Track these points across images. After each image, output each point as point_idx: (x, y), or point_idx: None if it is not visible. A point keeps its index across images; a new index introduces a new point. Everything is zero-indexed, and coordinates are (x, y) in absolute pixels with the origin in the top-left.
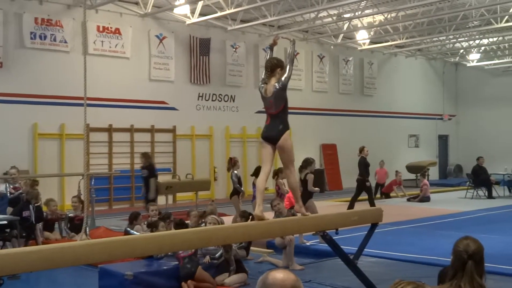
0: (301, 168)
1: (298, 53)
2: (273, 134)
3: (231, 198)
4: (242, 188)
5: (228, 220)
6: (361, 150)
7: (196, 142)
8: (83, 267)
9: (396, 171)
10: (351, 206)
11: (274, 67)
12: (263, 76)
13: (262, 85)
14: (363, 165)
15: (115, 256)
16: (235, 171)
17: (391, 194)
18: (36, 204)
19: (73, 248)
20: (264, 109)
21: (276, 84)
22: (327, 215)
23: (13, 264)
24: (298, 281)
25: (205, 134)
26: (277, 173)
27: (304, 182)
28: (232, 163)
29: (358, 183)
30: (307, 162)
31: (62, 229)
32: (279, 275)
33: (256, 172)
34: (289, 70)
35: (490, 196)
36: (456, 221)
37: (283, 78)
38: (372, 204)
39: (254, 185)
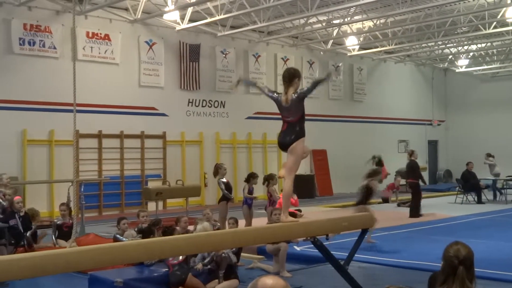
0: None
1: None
2: (286, 141)
3: (218, 203)
4: (231, 195)
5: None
6: (411, 153)
7: (186, 148)
8: (73, 274)
9: (395, 176)
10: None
11: (291, 77)
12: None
13: (279, 94)
14: (413, 168)
15: (105, 263)
16: (222, 178)
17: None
18: (21, 214)
19: (62, 255)
20: (280, 117)
21: (294, 94)
22: (317, 221)
23: (2, 271)
24: (288, 287)
25: (195, 140)
26: (267, 180)
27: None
28: (215, 170)
29: (411, 186)
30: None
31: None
32: (268, 281)
33: (248, 178)
34: (309, 87)
35: (479, 201)
36: (446, 226)
37: (299, 91)
38: (416, 208)
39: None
